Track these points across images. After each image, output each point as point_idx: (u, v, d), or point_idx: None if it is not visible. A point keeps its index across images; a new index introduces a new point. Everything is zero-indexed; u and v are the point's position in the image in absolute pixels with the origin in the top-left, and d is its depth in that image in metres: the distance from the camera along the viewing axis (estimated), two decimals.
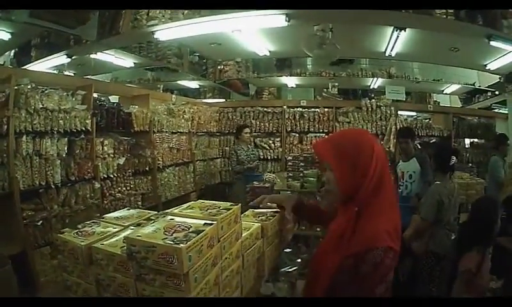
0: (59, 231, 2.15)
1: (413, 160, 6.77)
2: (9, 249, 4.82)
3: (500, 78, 10.63)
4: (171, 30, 6.83)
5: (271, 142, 10.99)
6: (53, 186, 5.56)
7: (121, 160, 6.92)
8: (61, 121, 5.67)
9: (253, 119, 11.06)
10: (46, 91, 5.50)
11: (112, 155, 6.74)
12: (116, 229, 2.17)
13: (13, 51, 8.41)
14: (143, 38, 7.89)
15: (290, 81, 12.81)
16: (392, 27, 7.53)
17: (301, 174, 7.29)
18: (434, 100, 13.84)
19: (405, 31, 7.32)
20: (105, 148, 6.61)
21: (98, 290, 1.97)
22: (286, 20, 6.31)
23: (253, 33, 8.37)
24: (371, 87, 13.00)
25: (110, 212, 2.43)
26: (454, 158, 5.10)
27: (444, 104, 13.32)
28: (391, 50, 9.11)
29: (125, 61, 9.27)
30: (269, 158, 10.88)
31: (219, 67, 10.80)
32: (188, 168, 9.30)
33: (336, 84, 12.09)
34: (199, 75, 10.67)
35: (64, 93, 5.81)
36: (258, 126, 10.96)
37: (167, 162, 8.28)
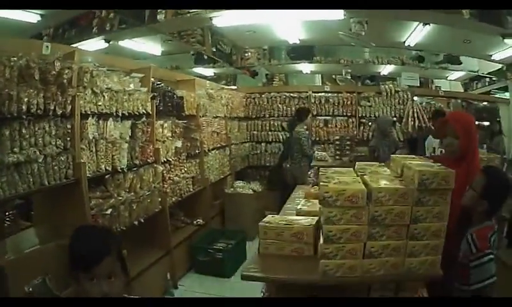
0: None
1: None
2: None
3: (502, 67, 10.51)
4: (229, 16, 6.55)
5: None
6: (120, 171, 4.65)
7: (179, 143, 6.17)
8: (125, 102, 4.78)
9: (279, 103, 10.29)
10: (108, 72, 4.59)
11: (170, 138, 5.94)
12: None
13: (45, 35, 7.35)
14: (199, 23, 7.47)
15: (306, 68, 12.04)
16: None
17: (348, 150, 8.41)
18: (436, 85, 13.20)
19: (430, 25, 7.31)
20: (165, 131, 5.81)
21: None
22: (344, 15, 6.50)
23: (288, 22, 7.90)
24: (381, 73, 12.39)
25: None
26: None
27: (444, 89, 12.49)
28: (412, 41, 8.83)
29: (155, 48, 8.75)
30: None
31: (246, 54, 10.12)
32: (225, 151, 8.51)
33: (350, 70, 11.53)
34: (224, 61, 9.86)
35: (123, 75, 4.93)
36: (286, 111, 10.21)
37: (210, 145, 7.53)
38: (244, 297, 3.79)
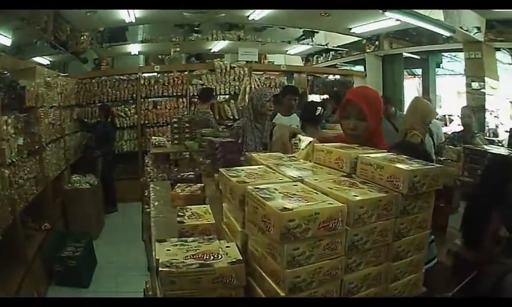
0: None
1: (294, 115, 6.00)
2: None
3: (361, 39, 10.85)
4: None
5: (126, 109, 9.40)
6: None
7: (21, 140, 4.97)
8: None
9: (109, 88, 9.32)
10: None
11: (13, 136, 4.72)
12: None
13: None
14: None
15: (134, 49, 11.40)
16: None
17: (193, 134, 6.55)
18: (269, 61, 12.86)
19: None
20: (9, 128, 4.60)
21: None
22: None
23: None
24: (212, 50, 11.95)
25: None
26: (320, 108, 4.78)
27: (278, 63, 12.25)
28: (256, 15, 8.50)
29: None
30: (125, 126, 9.35)
31: (81, 38, 8.93)
32: (60, 144, 7.31)
33: (178, 49, 11.01)
34: (62, 47, 8.49)
35: None
36: (115, 95, 9.32)
37: (47, 139, 6.36)
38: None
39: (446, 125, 10.80)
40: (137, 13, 8.08)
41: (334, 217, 1.20)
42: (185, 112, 8.71)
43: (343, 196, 1.31)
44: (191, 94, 9.33)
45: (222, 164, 3.25)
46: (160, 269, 1.31)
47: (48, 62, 9.76)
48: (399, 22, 8.16)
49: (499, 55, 8.89)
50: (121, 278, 5.52)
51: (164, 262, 1.33)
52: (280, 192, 1.31)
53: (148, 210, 5.60)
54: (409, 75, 13.16)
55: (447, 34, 8.13)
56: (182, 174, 3.34)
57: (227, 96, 9.55)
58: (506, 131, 8.25)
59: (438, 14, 6.71)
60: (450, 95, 13.46)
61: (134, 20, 8.55)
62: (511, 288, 2.82)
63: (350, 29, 9.52)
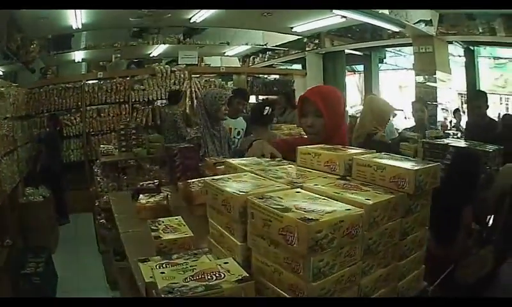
0: None
1: (241, 118, 5.79)
2: None
3: (301, 38, 10.75)
4: None
5: (72, 118, 9.05)
6: None
7: None
8: None
9: (56, 96, 8.95)
10: None
11: None
12: None
13: None
14: None
15: (78, 56, 11.16)
16: None
17: (140, 141, 6.46)
18: (205, 63, 12.66)
19: None
20: None
21: None
22: None
23: None
24: (151, 55, 11.83)
25: None
26: (267, 108, 4.56)
27: (215, 65, 12.16)
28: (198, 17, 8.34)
29: None
30: (71, 135, 9.00)
31: (31, 47, 8.52)
32: (14, 156, 6.95)
33: (119, 55, 10.76)
34: (13, 57, 8.07)
35: None
36: (61, 104, 8.96)
37: (1, 151, 6.04)
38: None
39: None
40: (84, 18, 7.81)
41: (356, 224, 1.13)
42: (128, 119, 8.51)
43: (356, 200, 1.24)
44: (133, 100, 9.10)
45: (181, 171, 3.14)
46: (163, 296, 1.18)
47: (1, 73, 9.38)
48: (343, 19, 8.19)
49: (450, 48, 8.99)
50: (84, 292, 5.27)
51: (165, 289, 1.19)
52: (288, 201, 1.21)
53: (102, 221, 5.44)
54: (349, 71, 13.21)
55: (395, 29, 8.22)
56: (142, 183, 3.13)
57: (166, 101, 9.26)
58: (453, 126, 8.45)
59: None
60: (391, 90, 13.54)
61: (80, 26, 8.29)
62: (493, 280, 2.84)
63: (292, 27, 9.46)
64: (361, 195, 1.29)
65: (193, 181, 2.63)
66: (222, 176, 1.62)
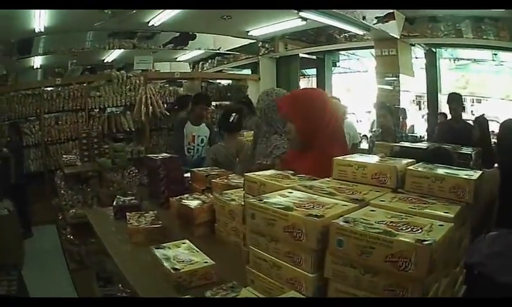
0: None
1: (203, 125, 5.78)
2: None
3: (254, 42, 10.60)
4: None
5: (31, 126, 8.53)
6: None
7: None
8: None
9: (16, 104, 8.42)
10: None
11: None
12: None
13: None
14: None
15: (37, 62, 10.70)
16: None
17: (102, 150, 6.16)
18: (156, 69, 12.06)
19: None
20: None
21: None
22: None
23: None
24: (105, 60, 11.54)
25: None
26: (234, 115, 4.48)
27: (165, 70, 12.07)
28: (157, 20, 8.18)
29: None
30: (31, 144, 8.47)
31: None
32: None
33: (75, 61, 10.61)
34: None
35: None
36: (21, 111, 8.44)
37: None
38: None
39: None
40: (46, 22, 7.54)
41: (452, 237, 1.18)
42: (85, 127, 8.02)
43: (437, 214, 1.23)
44: (89, 108, 8.72)
45: (165, 184, 2.96)
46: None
47: None
48: (303, 23, 8.20)
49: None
50: None
51: None
52: (380, 223, 1.14)
53: (69, 236, 5.23)
54: (300, 76, 13.25)
55: (360, 32, 8.29)
56: (122, 199, 2.86)
57: (122, 108, 9.05)
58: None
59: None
60: (340, 93, 13.65)
61: (42, 29, 7.99)
62: None
63: (248, 31, 9.40)
64: (434, 208, 1.28)
65: (187, 197, 2.48)
66: (264, 194, 1.46)
